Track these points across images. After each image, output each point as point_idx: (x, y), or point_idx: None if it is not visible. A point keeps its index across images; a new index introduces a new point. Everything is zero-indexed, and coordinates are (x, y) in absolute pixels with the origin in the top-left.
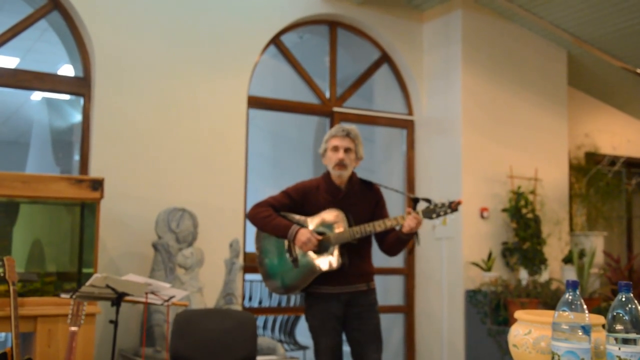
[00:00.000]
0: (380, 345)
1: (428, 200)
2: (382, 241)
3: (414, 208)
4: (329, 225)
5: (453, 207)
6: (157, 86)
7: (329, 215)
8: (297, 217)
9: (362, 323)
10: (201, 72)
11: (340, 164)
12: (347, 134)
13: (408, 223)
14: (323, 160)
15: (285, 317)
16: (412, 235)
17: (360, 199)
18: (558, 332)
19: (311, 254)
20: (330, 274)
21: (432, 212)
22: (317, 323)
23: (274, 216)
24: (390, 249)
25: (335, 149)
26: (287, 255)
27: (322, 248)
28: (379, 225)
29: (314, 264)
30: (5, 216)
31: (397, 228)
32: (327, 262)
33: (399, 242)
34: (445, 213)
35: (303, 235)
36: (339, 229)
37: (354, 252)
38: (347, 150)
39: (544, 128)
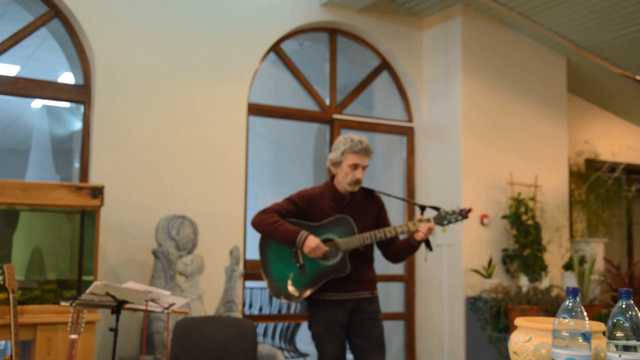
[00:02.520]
0: (383, 354)
1: (436, 208)
2: (387, 248)
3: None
4: (337, 231)
5: (464, 214)
6: (157, 93)
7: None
8: (312, 223)
9: (367, 331)
10: (201, 80)
11: (358, 183)
12: (368, 153)
13: (422, 229)
14: (332, 168)
15: (285, 324)
16: (422, 242)
17: (363, 206)
18: (558, 340)
19: (318, 259)
20: (335, 281)
21: (443, 218)
22: (322, 331)
23: (281, 222)
24: (396, 256)
25: (355, 166)
26: (294, 261)
27: (329, 254)
28: (389, 232)
29: (322, 270)
30: (5, 224)
31: (401, 236)
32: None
33: (409, 249)
34: (456, 220)
35: (312, 241)
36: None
37: (359, 259)
38: (364, 168)
39: (543, 135)
